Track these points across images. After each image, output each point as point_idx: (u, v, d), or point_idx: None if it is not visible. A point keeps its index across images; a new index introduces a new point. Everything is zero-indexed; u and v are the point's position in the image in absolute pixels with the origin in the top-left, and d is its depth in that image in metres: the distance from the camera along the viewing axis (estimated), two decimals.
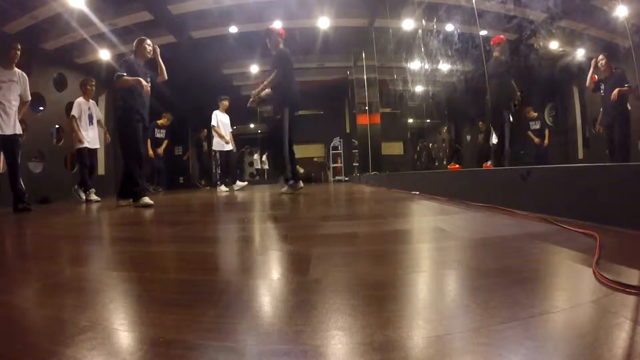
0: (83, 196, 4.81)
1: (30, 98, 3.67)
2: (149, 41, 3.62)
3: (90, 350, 0.51)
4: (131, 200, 3.44)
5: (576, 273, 0.83)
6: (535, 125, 6.79)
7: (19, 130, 3.52)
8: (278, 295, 0.77)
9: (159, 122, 7.62)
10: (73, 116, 4.72)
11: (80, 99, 4.85)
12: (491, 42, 5.01)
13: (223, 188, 6.36)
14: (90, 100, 4.95)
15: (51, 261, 1.23)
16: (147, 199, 3.34)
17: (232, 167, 7.25)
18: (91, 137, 4.87)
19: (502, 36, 5.13)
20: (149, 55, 3.61)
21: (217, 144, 6.74)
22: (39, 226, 2.45)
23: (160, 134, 7.65)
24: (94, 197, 4.78)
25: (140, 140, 3.45)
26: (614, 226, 1.22)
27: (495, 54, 4.89)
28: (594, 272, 0.76)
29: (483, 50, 6.37)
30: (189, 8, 7.02)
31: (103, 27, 6.32)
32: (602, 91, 4.74)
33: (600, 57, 4.63)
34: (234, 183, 6.52)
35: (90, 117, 4.89)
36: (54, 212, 3.48)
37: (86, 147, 4.79)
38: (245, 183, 5.88)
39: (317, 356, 0.49)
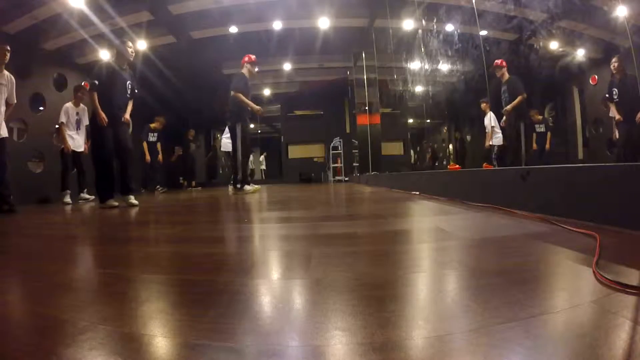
0: (69, 199, 4.84)
1: (15, 101, 3.62)
2: (130, 43, 3.64)
3: (90, 350, 0.51)
4: (133, 196, 3.56)
5: (576, 273, 0.83)
6: (540, 129, 6.68)
7: (5, 133, 3.50)
8: (278, 295, 0.77)
9: (152, 125, 7.60)
10: (62, 123, 4.81)
11: (69, 104, 4.93)
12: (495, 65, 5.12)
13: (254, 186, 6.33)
14: (81, 105, 5.01)
15: (49, 262, 1.23)
16: (113, 201, 3.41)
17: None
18: (77, 140, 4.95)
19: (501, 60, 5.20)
20: (131, 59, 3.63)
21: (226, 145, 6.75)
22: (34, 226, 2.44)
23: (153, 137, 7.62)
24: (67, 199, 4.81)
25: (105, 144, 3.42)
26: (614, 226, 1.23)
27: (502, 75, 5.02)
28: (594, 272, 0.76)
29: (483, 50, 6.38)
30: (189, 8, 7.02)
31: (103, 27, 6.31)
32: (615, 96, 4.50)
33: (614, 59, 4.47)
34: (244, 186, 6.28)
35: (78, 123, 4.96)
36: (47, 213, 3.48)
37: (72, 151, 4.87)
38: (255, 187, 5.59)
39: (317, 356, 0.49)
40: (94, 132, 3.49)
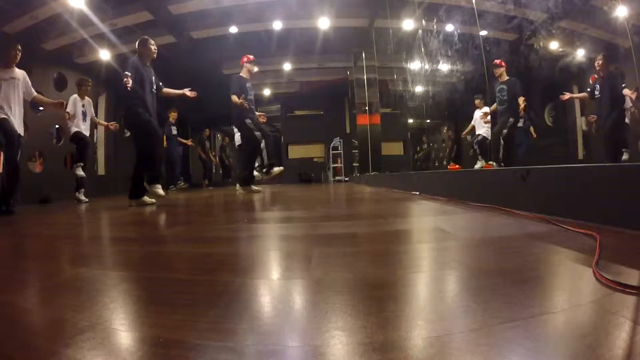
0: (83, 198, 4.85)
1: (34, 94, 3.61)
2: (152, 41, 3.61)
3: (90, 350, 0.51)
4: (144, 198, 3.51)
5: (576, 273, 0.83)
6: (519, 123, 6.55)
7: (21, 130, 3.46)
8: (278, 295, 0.77)
9: (171, 119, 7.73)
10: (67, 112, 4.77)
11: (75, 96, 4.93)
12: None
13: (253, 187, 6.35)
14: (86, 98, 5.02)
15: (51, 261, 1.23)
16: (148, 198, 3.40)
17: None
18: (83, 131, 4.94)
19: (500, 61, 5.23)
20: (154, 56, 3.60)
21: (238, 139, 6.83)
22: (41, 225, 2.45)
23: (175, 130, 7.79)
24: (82, 197, 4.84)
25: (152, 127, 3.45)
26: (614, 226, 1.22)
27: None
28: (594, 272, 0.76)
29: (483, 50, 6.38)
30: (189, 8, 7.02)
31: (103, 27, 6.31)
32: (597, 92, 4.65)
33: (599, 57, 4.59)
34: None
35: (84, 115, 4.98)
36: (53, 213, 3.48)
37: (80, 132, 4.87)
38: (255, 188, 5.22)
39: (317, 356, 0.49)
40: (136, 121, 3.45)
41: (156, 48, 3.62)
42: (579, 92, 8.09)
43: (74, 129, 4.84)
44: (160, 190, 3.46)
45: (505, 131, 5.05)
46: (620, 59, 5.57)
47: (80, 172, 4.83)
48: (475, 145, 6.43)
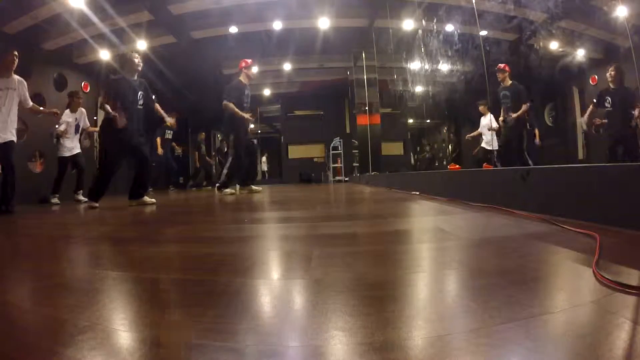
0: (82, 197, 4.89)
1: (30, 104, 3.58)
2: (135, 54, 3.55)
3: (90, 350, 0.51)
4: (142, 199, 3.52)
5: (576, 273, 0.83)
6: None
7: (12, 137, 3.40)
8: (278, 295, 0.77)
9: (168, 124, 7.69)
10: (61, 131, 4.88)
11: (67, 112, 4.97)
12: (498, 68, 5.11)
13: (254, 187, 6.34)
14: (79, 109, 5.06)
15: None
16: (95, 203, 3.41)
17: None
18: (73, 145, 5.02)
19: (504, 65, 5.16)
20: (139, 69, 3.54)
21: None
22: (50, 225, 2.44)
23: (168, 135, 7.80)
24: (55, 200, 4.91)
25: (116, 157, 3.48)
26: (614, 226, 1.22)
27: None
28: (594, 272, 0.76)
29: (483, 50, 6.39)
30: (189, 8, 7.03)
31: (103, 27, 6.32)
32: (608, 104, 4.42)
33: (611, 68, 4.38)
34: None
35: (77, 128, 5.04)
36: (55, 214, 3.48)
37: (66, 157, 4.96)
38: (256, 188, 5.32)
39: (317, 356, 0.49)
40: (106, 142, 3.46)
41: (139, 61, 3.55)
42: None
43: (60, 152, 4.92)
44: (80, 196, 3.67)
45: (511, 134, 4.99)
46: (620, 59, 5.57)
47: (56, 200, 4.89)
48: (492, 161, 6.34)
